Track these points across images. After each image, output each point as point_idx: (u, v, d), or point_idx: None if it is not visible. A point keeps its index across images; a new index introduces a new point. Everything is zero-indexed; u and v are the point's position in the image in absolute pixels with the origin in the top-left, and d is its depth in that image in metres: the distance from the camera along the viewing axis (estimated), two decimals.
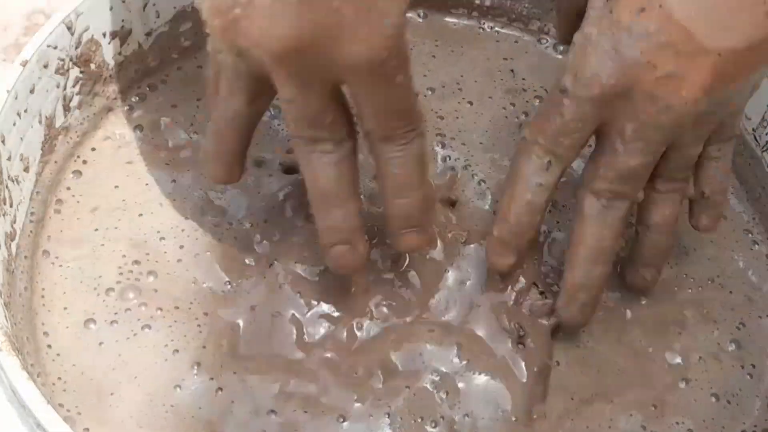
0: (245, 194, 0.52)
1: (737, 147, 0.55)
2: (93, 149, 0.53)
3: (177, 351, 0.47)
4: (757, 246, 0.54)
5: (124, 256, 0.50)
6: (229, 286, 0.49)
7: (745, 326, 0.51)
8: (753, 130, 0.55)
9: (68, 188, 0.52)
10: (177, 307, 0.48)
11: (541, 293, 0.49)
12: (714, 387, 0.49)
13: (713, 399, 0.49)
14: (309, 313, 0.48)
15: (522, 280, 0.49)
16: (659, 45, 0.42)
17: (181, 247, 0.50)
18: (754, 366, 0.50)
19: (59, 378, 0.46)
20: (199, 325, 0.48)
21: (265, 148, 0.54)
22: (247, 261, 0.50)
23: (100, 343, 0.47)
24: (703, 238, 0.53)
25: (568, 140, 0.45)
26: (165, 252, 0.50)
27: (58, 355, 0.47)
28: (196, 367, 0.47)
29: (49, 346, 0.47)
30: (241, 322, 0.48)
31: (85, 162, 0.53)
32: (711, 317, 0.51)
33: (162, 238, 0.50)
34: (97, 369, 0.46)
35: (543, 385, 0.47)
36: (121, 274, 0.49)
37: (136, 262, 0.50)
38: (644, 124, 0.44)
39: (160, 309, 0.48)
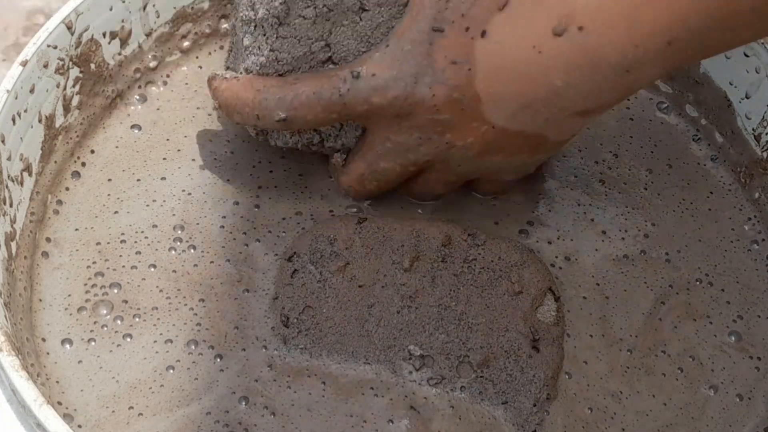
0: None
1: (737, 147, 0.56)
2: (92, 151, 0.53)
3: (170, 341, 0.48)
4: (756, 246, 0.54)
5: (121, 256, 0.50)
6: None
7: (743, 318, 0.51)
8: (753, 130, 0.54)
9: (67, 189, 0.52)
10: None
11: (557, 299, 0.49)
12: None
13: (712, 392, 0.49)
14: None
15: (539, 285, 0.49)
16: (451, 99, 0.45)
17: (194, 247, 0.50)
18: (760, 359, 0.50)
19: (57, 381, 0.46)
20: (192, 309, 0.48)
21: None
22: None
23: (100, 342, 0.47)
24: (696, 237, 0.53)
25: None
26: (173, 252, 0.50)
27: (56, 355, 0.47)
28: (193, 345, 0.47)
29: (47, 353, 0.47)
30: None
31: (83, 164, 0.53)
32: (705, 314, 0.51)
33: (167, 240, 0.51)
34: (97, 367, 0.47)
35: (554, 389, 0.47)
36: (121, 274, 0.49)
37: (134, 267, 0.50)
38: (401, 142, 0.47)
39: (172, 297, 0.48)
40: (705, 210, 0.55)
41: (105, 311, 0.48)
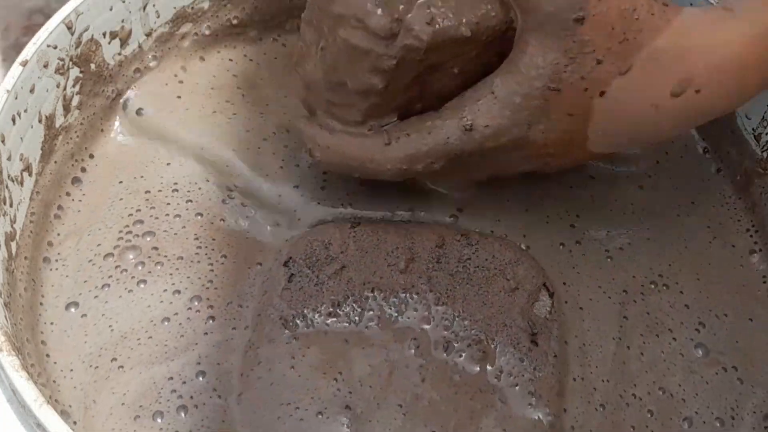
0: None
1: (737, 147, 0.56)
2: (91, 155, 0.53)
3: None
4: (755, 255, 0.53)
5: (169, 204, 0.51)
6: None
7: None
8: (753, 130, 0.55)
9: (68, 193, 0.52)
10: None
11: (551, 295, 0.49)
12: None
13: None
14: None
15: (533, 281, 0.49)
16: (562, 140, 0.47)
17: (244, 206, 0.51)
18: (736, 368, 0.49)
19: (60, 370, 0.46)
20: (211, 264, 0.50)
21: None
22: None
23: (114, 287, 0.49)
24: (698, 259, 0.52)
25: None
26: (225, 204, 0.52)
27: (56, 353, 0.47)
28: (196, 301, 0.49)
29: (46, 345, 0.47)
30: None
31: (84, 165, 0.53)
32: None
33: (222, 192, 0.52)
34: (99, 315, 0.48)
35: (559, 383, 0.47)
36: (161, 222, 0.51)
37: (178, 215, 0.51)
38: None
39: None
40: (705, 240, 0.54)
41: (132, 256, 0.50)
